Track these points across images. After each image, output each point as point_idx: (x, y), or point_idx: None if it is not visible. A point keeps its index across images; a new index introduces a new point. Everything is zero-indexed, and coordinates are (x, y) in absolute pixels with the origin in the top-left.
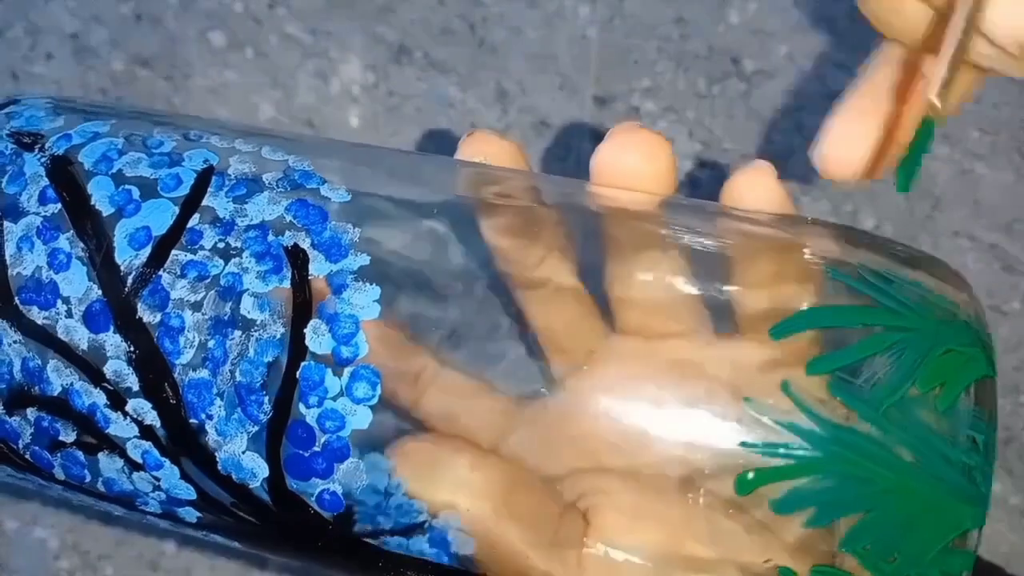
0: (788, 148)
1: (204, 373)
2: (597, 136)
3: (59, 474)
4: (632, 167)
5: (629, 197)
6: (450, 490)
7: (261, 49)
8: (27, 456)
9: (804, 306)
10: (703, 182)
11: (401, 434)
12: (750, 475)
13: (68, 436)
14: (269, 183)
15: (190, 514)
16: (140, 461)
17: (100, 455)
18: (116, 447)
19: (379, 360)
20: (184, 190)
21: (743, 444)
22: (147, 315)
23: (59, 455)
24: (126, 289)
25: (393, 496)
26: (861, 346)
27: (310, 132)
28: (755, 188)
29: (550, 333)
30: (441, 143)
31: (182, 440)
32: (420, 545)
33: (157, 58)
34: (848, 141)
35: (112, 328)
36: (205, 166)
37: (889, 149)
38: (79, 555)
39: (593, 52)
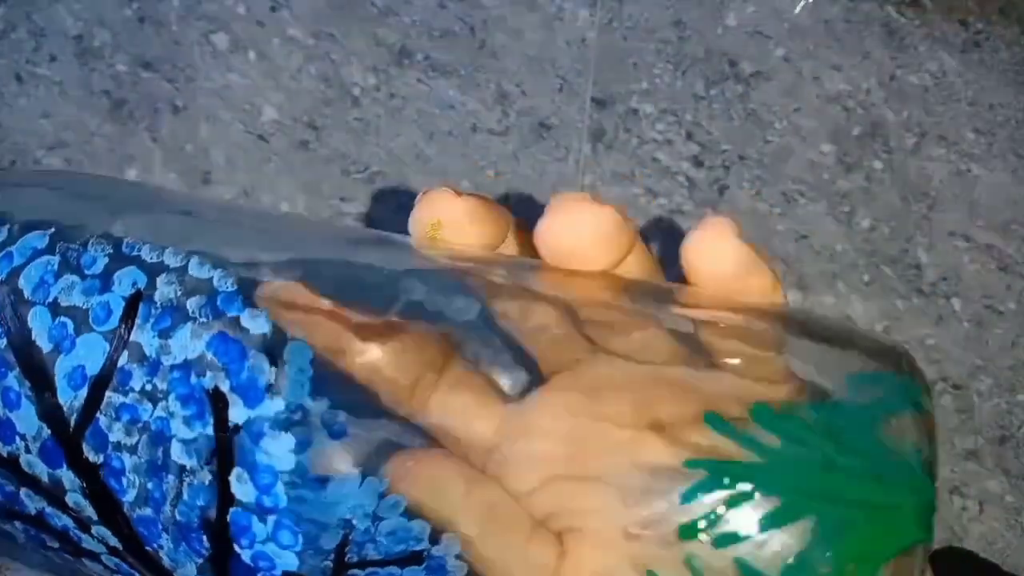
0: (785, 149)
1: (148, 511)
2: (596, 138)
3: (57, 561)
4: (574, 245)
5: (582, 288)
6: (451, 511)
7: (263, 52)
8: (27, 548)
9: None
10: (701, 183)
11: (392, 451)
12: None
13: (53, 543)
14: (192, 312)
15: None
16: (116, 569)
17: (83, 559)
18: (94, 556)
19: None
20: (113, 322)
21: None
22: (91, 455)
23: (52, 553)
24: (70, 430)
25: (386, 520)
26: (773, 516)
27: (312, 134)
28: (715, 252)
29: (536, 343)
30: (442, 144)
31: (143, 561)
32: None
33: (160, 60)
34: None
35: (65, 465)
36: (133, 291)
37: None
38: None
39: (592, 55)
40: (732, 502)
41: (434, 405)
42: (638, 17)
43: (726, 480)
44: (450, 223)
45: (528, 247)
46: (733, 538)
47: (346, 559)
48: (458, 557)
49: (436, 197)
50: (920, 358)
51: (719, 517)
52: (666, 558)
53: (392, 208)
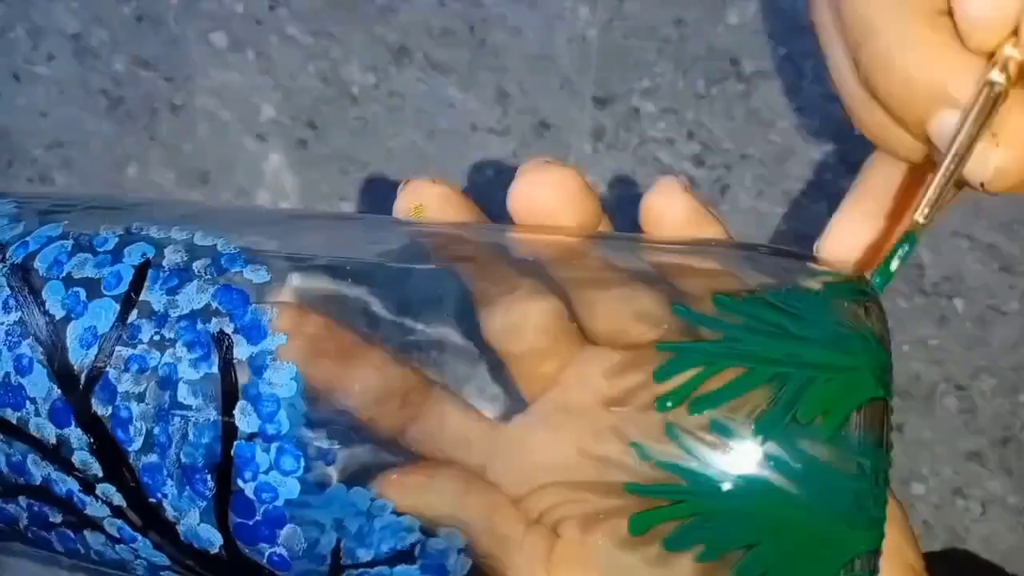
0: (787, 149)
1: (154, 457)
2: (597, 136)
3: (58, 547)
4: (544, 203)
5: (558, 238)
6: (451, 507)
7: (262, 50)
8: (29, 535)
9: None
10: (702, 182)
11: (385, 466)
12: (640, 516)
13: (56, 518)
14: (198, 271)
15: None
16: (118, 536)
17: (85, 532)
18: (96, 525)
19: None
20: (124, 287)
21: (629, 488)
22: (100, 409)
23: (53, 533)
24: (80, 387)
25: (378, 517)
26: (740, 382)
27: (311, 133)
28: (667, 205)
29: (520, 348)
30: (442, 144)
31: (146, 516)
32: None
33: (158, 59)
34: (847, 241)
35: (73, 423)
36: (142, 260)
37: (888, 245)
38: None
39: (593, 53)
40: (702, 375)
41: (422, 422)
42: (639, 15)
43: (693, 356)
44: (431, 206)
45: None
46: (706, 404)
47: (341, 563)
48: (460, 552)
49: (417, 185)
50: (923, 358)
51: (691, 388)
52: (646, 428)
53: (391, 207)
